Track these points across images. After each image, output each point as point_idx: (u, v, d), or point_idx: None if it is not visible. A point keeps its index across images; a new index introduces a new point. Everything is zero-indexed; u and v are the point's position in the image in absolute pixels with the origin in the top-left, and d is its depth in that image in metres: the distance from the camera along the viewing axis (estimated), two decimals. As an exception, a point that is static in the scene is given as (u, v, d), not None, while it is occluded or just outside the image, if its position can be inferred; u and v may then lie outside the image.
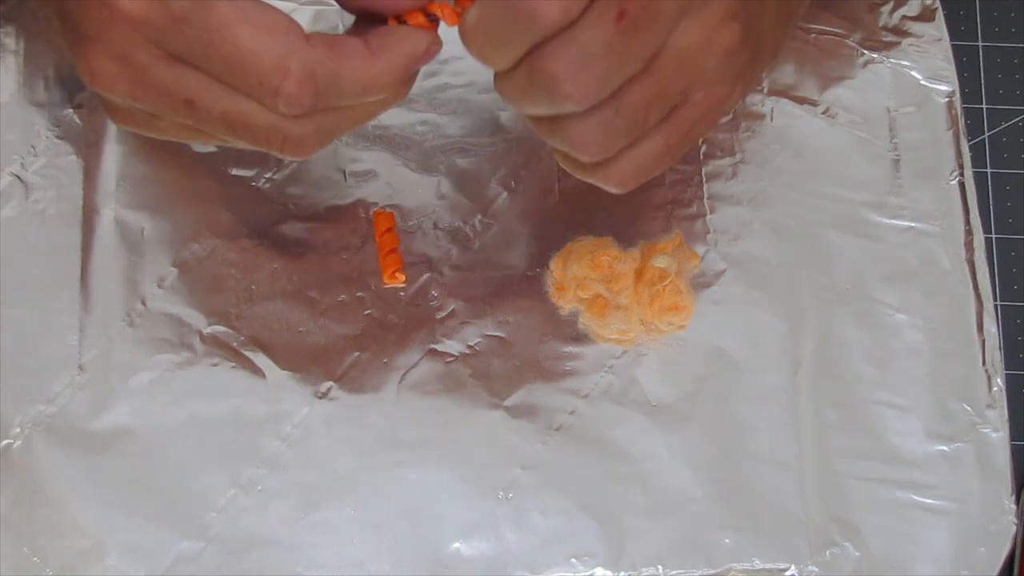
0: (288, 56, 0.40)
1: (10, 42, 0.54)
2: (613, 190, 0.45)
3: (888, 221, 0.54)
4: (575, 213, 0.53)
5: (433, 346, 0.51)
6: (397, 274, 0.51)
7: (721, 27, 0.41)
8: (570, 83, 0.40)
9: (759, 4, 0.43)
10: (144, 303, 0.51)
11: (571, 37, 0.39)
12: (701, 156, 0.55)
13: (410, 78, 0.44)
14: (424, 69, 0.55)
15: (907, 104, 0.56)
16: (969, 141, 0.56)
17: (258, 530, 0.48)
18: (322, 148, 0.43)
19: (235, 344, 0.50)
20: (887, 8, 0.58)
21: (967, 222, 0.54)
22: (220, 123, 0.41)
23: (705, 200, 0.54)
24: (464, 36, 0.41)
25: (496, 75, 0.43)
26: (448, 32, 0.56)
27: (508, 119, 0.55)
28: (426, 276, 0.52)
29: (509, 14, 0.39)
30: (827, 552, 0.49)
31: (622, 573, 0.48)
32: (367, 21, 0.43)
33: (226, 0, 0.39)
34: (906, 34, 0.57)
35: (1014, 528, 0.50)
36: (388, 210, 0.53)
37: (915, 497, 0.50)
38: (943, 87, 0.56)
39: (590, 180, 0.45)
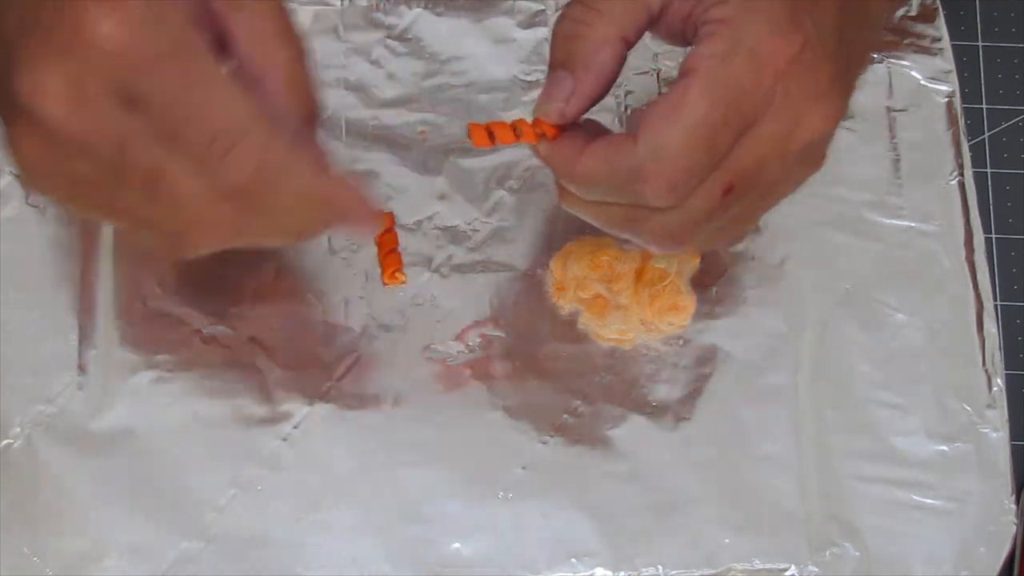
0: (252, 125, 0.37)
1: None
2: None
3: (888, 221, 0.54)
4: (575, 213, 0.53)
5: (433, 346, 0.51)
6: (397, 274, 0.51)
7: (805, 172, 0.42)
8: (667, 240, 0.41)
9: (850, 59, 0.42)
10: (144, 303, 0.51)
11: (681, 208, 0.40)
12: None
13: (343, 223, 0.42)
14: (424, 69, 0.55)
15: (907, 104, 0.56)
16: (969, 141, 0.56)
17: (258, 530, 0.48)
18: (216, 249, 0.40)
19: (235, 344, 0.50)
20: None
21: (967, 222, 0.54)
22: (141, 180, 0.38)
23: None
24: (548, 162, 0.42)
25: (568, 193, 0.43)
26: (446, 32, 0.56)
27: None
28: (426, 276, 0.52)
29: (624, 185, 0.40)
30: (827, 552, 0.49)
31: (622, 573, 0.48)
32: None
33: (210, 59, 0.37)
34: (906, 34, 0.57)
35: (1014, 528, 0.50)
36: (388, 210, 0.52)
37: (915, 497, 0.50)
38: (943, 87, 0.56)
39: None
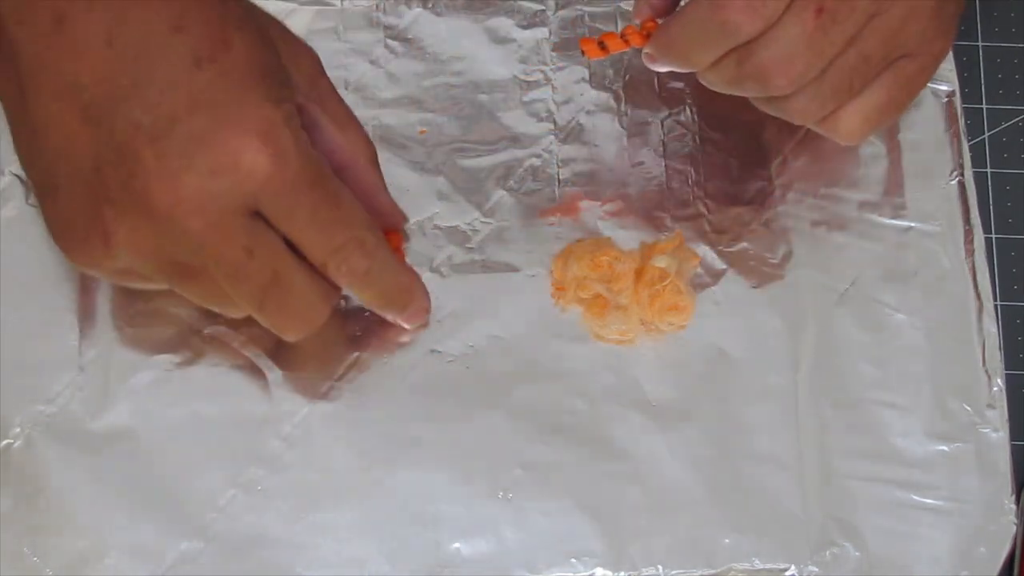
0: (367, 231, 0.43)
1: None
2: (842, 142, 0.47)
3: (888, 221, 0.54)
4: (575, 213, 0.54)
5: (433, 346, 0.51)
6: None
7: None
8: (778, 76, 0.43)
9: None
10: (144, 303, 0.51)
11: (774, 36, 0.42)
12: (701, 156, 0.55)
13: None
14: (424, 69, 0.56)
15: (907, 104, 0.56)
16: (969, 141, 0.56)
17: (258, 530, 0.48)
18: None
19: (235, 344, 0.50)
20: (887, 8, 0.58)
21: (967, 222, 0.54)
22: (258, 281, 0.42)
23: (705, 200, 0.54)
24: (656, 54, 0.46)
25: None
26: (446, 32, 0.56)
27: (508, 119, 0.55)
28: (426, 276, 0.52)
29: (711, 26, 0.42)
30: (827, 552, 0.49)
31: (622, 573, 0.48)
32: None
33: (333, 176, 0.42)
34: (906, 34, 0.57)
35: (1014, 528, 0.50)
36: (397, 232, 0.52)
37: (915, 497, 0.50)
38: (943, 87, 0.56)
39: (819, 131, 0.47)
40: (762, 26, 0.42)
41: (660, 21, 0.46)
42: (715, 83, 0.46)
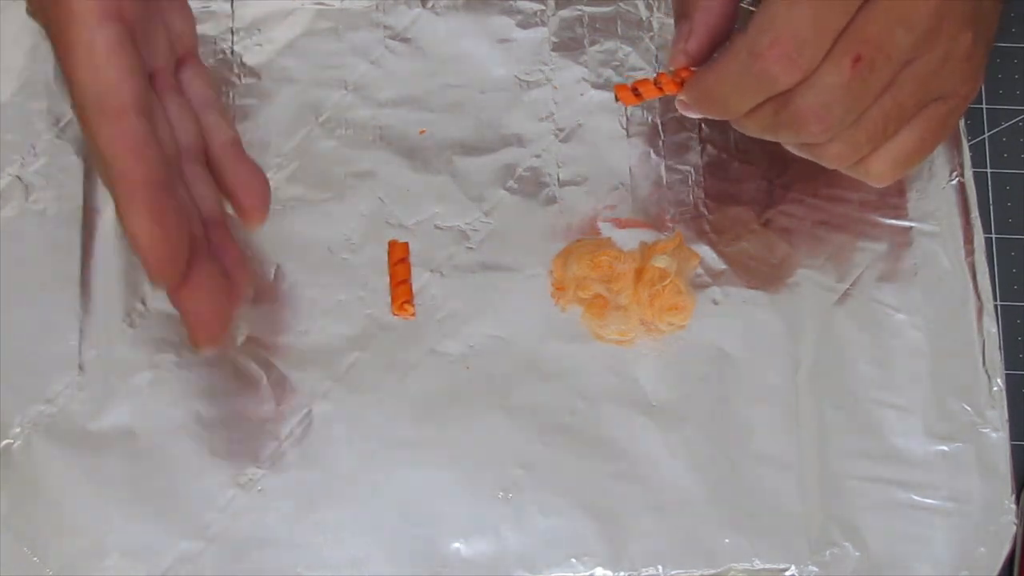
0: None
1: (10, 41, 0.54)
2: (873, 183, 0.48)
3: (888, 221, 0.54)
4: (575, 213, 0.53)
5: (433, 346, 0.51)
6: (406, 305, 0.51)
7: (956, 40, 0.43)
8: (815, 124, 0.43)
9: (983, 2, 0.44)
10: (144, 303, 0.51)
11: (811, 85, 0.42)
12: (701, 156, 0.55)
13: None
14: (424, 69, 0.55)
15: (907, 104, 0.56)
16: (969, 141, 0.56)
17: (258, 530, 0.48)
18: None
19: (235, 344, 0.50)
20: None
21: (967, 222, 0.54)
22: None
23: (705, 200, 0.54)
24: (692, 102, 0.46)
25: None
26: (446, 32, 0.56)
27: (508, 119, 0.55)
28: (426, 276, 0.52)
29: (749, 77, 0.42)
30: (827, 552, 0.49)
31: (622, 573, 0.48)
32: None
33: None
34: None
35: (1014, 528, 0.50)
36: (403, 240, 0.52)
37: (915, 497, 0.50)
38: (943, 87, 0.56)
39: (850, 174, 0.47)
40: (800, 76, 0.42)
41: (695, 69, 0.46)
42: (750, 130, 0.46)
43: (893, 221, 0.54)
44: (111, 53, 0.40)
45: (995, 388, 0.52)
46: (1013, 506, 0.50)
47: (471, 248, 0.53)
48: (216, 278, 0.42)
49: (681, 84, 0.46)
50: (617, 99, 0.48)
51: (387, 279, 0.52)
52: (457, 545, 0.48)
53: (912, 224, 0.54)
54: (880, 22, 0.41)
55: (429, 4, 0.56)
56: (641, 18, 0.56)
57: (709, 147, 0.55)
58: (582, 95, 0.55)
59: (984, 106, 0.59)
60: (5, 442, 0.48)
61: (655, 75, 0.47)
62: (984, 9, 0.45)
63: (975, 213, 0.54)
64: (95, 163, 0.43)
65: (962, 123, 0.55)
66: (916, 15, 0.42)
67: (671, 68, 0.46)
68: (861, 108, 0.43)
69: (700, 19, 0.45)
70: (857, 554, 0.49)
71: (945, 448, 0.51)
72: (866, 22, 0.41)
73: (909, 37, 0.42)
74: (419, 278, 0.52)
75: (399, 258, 0.52)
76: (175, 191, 0.41)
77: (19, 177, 0.52)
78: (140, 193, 0.40)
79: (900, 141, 0.45)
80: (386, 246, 0.52)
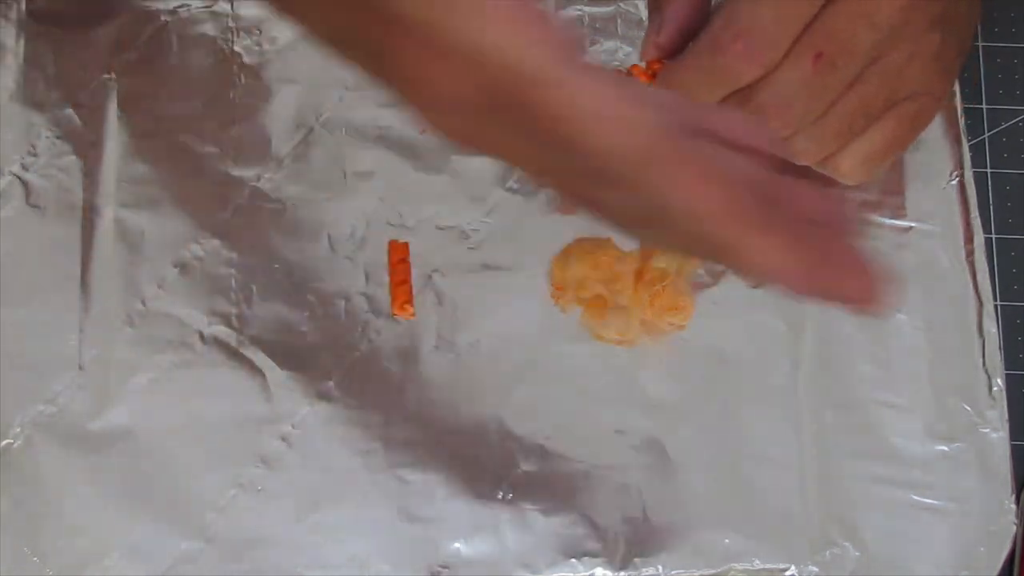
0: None
1: (10, 42, 0.54)
2: (843, 181, 0.47)
3: (888, 221, 0.54)
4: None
5: (433, 346, 0.51)
6: (406, 305, 0.51)
7: (922, 40, 0.43)
8: (776, 119, 0.43)
9: (954, 4, 0.44)
10: (144, 303, 0.51)
11: (772, 80, 0.42)
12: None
13: None
14: (424, 69, 0.55)
15: (907, 104, 0.56)
16: (969, 141, 0.56)
17: (258, 530, 0.48)
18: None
19: (235, 344, 0.50)
20: (887, 8, 0.58)
21: (967, 222, 0.54)
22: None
23: (705, 200, 0.54)
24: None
25: None
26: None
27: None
28: (426, 276, 0.52)
29: (712, 71, 0.42)
30: (827, 552, 0.49)
31: (622, 573, 0.48)
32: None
33: None
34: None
35: (1014, 528, 0.50)
36: (403, 240, 0.52)
37: (915, 497, 0.50)
38: (943, 87, 0.56)
39: (821, 171, 0.47)
40: (761, 72, 0.42)
41: (667, 62, 0.46)
42: None
43: (893, 221, 0.54)
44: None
45: (995, 388, 0.52)
46: (1013, 506, 0.50)
47: (471, 248, 0.53)
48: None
49: (653, 76, 0.46)
50: None
51: (387, 279, 0.52)
52: (457, 545, 0.48)
53: (912, 224, 0.54)
54: (843, 20, 0.41)
55: (429, 4, 0.56)
56: (641, 18, 0.56)
57: (709, 147, 0.55)
58: (582, 95, 0.55)
59: (984, 106, 0.59)
60: (5, 442, 0.48)
61: (628, 68, 0.47)
62: (957, 11, 0.45)
63: (975, 213, 0.54)
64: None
65: (962, 123, 0.55)
66: (880, 14, 0.42)
67: (643, 61, 0.46)
68: (824, 105, 0.43)
69: (671, 12, 0.45)
70: (857, 554, 0.49)
71: (945, 448, 0.51)
72: (829, 19, 0.41)
73: (873, 35, 0.42)
74: (419, 278, 0.52)
75: (399, 258, 0.52)
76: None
77: (19, 177, 0.52)
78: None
79: (869, 139, 0.45)
80: (386, 246, 0.52)
